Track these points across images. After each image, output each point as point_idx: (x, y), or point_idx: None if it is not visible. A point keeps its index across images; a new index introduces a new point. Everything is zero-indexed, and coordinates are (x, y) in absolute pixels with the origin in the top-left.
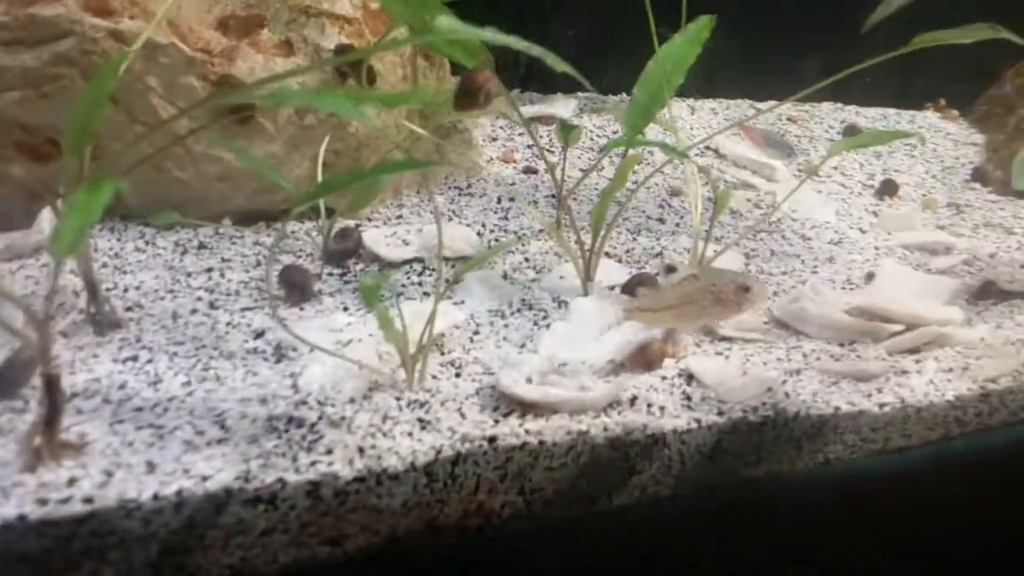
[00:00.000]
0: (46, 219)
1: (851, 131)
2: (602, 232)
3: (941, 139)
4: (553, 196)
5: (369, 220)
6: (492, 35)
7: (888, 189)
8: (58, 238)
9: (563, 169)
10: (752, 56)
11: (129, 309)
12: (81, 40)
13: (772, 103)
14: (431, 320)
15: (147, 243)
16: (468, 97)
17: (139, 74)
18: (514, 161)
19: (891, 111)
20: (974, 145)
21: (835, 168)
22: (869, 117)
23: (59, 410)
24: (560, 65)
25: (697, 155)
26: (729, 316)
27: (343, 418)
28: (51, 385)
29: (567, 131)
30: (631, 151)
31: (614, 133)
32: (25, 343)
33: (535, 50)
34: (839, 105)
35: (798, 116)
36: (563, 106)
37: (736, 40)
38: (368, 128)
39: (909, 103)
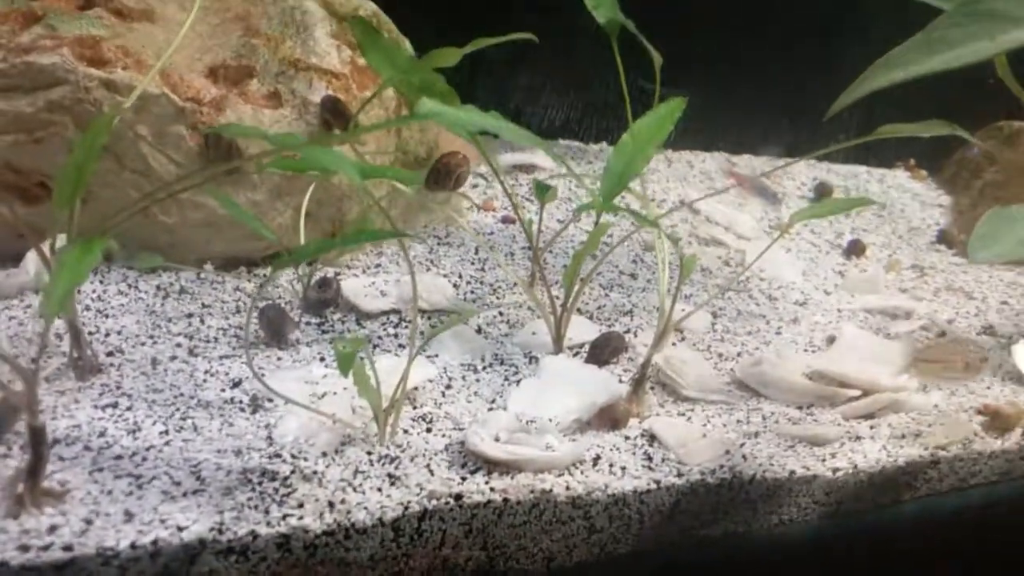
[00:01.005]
0: (31, 261)
1: (822, 189)
2: (574, 291)
3: (909, 199)
4: (528, 247)
5: (348, 268)
6: (470, 117)
7: (855, 249)
8: (48, 298)
9: (539, 225)
10: (729, 110)
11: (110, 354)
12: (75, 88)
13: (747, 156)
14: (404, 377)
15: (130, 286)
16: (440, 178)
17: (130, 123)
18: (493, 209)
19: (862, 169)
20: (940, 207)
21: (805, 225)
22: (841, 174)
23: (43, 460)
24: (527, 140)
25: (675, 212)
26: (969, 381)
27: (315, 472)
28: (36, 436)
29: (543, 190)
30: (604, 217)
31: (592, 184)
32: (9, 392)
33: (510, 132)
34: (812, 162)
35: (773, 173)
36: (544, 155)
37: (713, 94)
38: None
39: (880, 161)
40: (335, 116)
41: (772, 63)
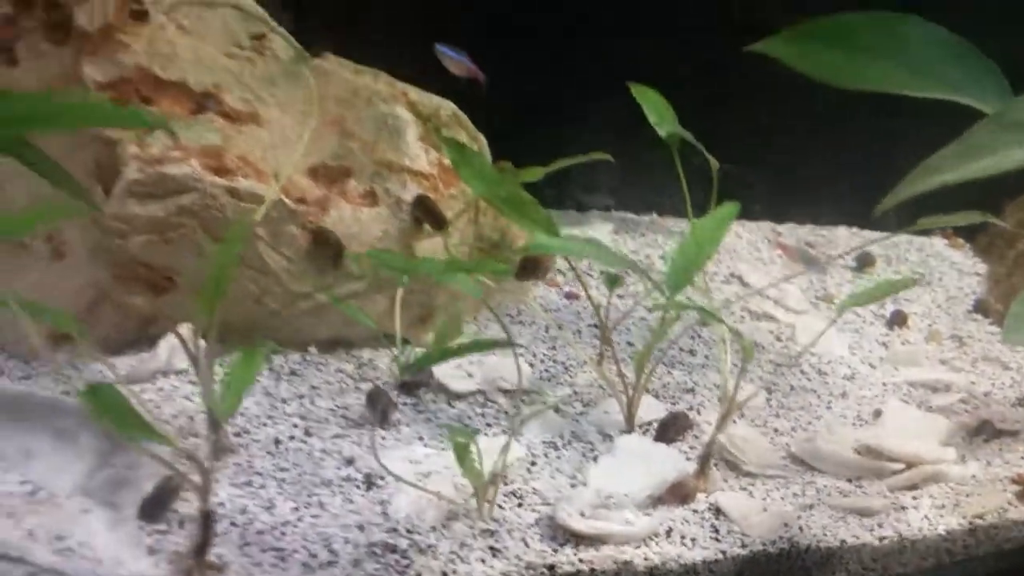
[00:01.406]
0: (163, 347)
1: (864, 259)
2: (644, 375)
3: (947, 267)
4: (595, 326)
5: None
6: (575, 247)
7: (898, 319)
8: (222, 403)
9: (607, 311)
10: (773, 178)
11: (237, 435)
12: (202, 196)
13: (791, 224)
14: (504, 453)
15: None
16: (530, 272)
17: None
18: (558, 285)
19: (903, 238)
20: (977, 275)
21: (849, 294)
22: (882, 244)
23: (210, 540)
24: (622, 264)
25: (723, 283)
26: None
27: (428, 545)
28: (207, 519)
29: (612, 281)
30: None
31: (647, 257)
32: (174, 474)
33: (608, 259)
34: (854, 230)
35: (816, 242)
36: (600, 228)
37: (759, 162)
38: None
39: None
40: (425, 213)
41: (815, 132)
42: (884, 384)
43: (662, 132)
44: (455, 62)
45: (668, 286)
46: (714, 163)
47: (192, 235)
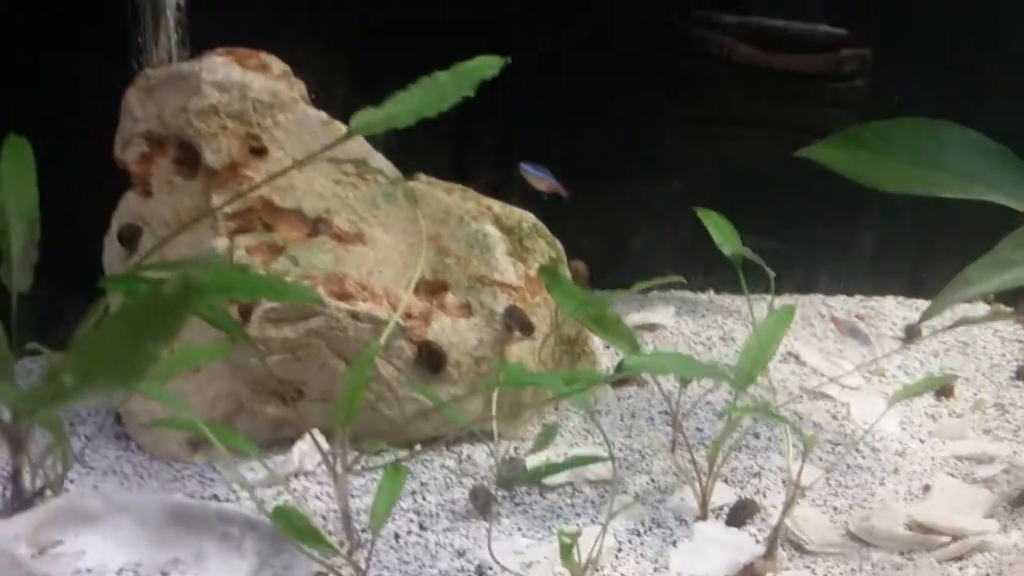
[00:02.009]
0: (297, 451)
1: (911, 331)
2: (716, 465)
3: (990, 335)
4: (666, 412)
5: (523, 440)
6: (665, 363)
7: (945, 391)
8: (373, 516)
9: (678, 400)
10: (822, 253)
11: (363, 531)
12: (328, 319)
13: (841, 296)
14: (598, 542)
15: (364, 468)
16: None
17: (367, 341)
18: None
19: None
20: (1019, 342)
21: (899, 367)
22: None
23: None
24: (705, 374)
25: (781, 362)
26: None
27: None
28: None
29: (685, 380)
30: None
31: (708, 339)
32: (327, 571)
33: (692, 370)
34: (901, 299)
35: (865, 313)
36: (663, 312)
37: (800, 236)
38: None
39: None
40: (515, 320)
41: (859, 202)
42: (932, 458)
43: (726, 252)
44: (538, 179)
45: (735, 386)
46: (770, 273)
47: (319, 353)
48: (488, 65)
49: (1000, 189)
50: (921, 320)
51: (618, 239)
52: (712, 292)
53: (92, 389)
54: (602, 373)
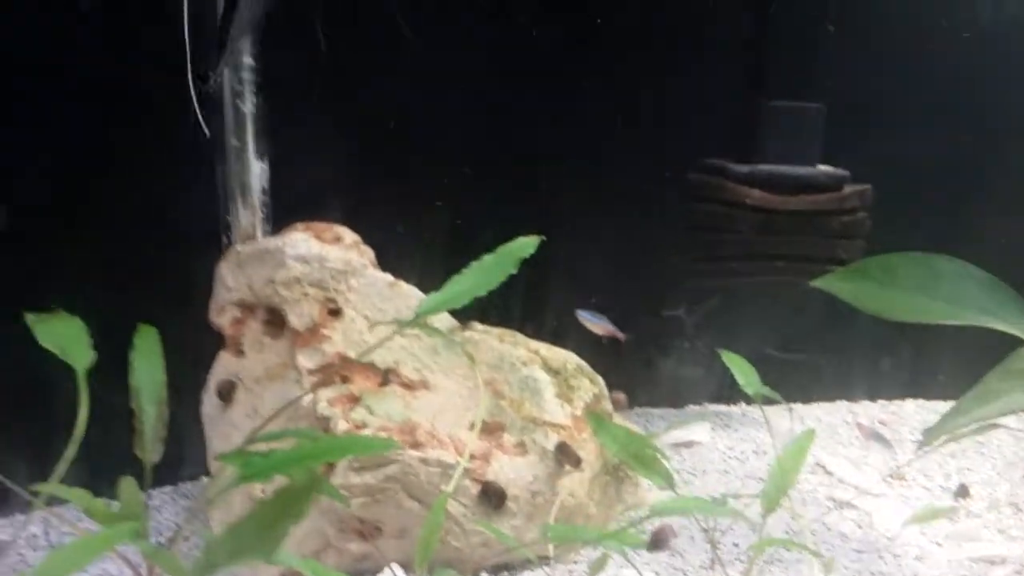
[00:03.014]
0: None
1: (929, 435)
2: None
3: (1003, 434)
4: (705, 530)
5: (575, 563)
6: (696, 504)
7: (962, 492)
8: None
9: (715, 521)
10: (843, 360)
11: None
12: (403, 466)
13: (864, 402)
14: None
15: None
16: (658, 542)
17: (436, 484)
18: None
19: None
20: None
21: (918, 470)
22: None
23: None
24: (738, 515)
25: (809, 473)
26: None
27: None
28: None
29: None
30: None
31: (742, 453)
32: None
33: (724, 511)
34: (920, 402)
35: (887, 419)
36: (699, 428)
37: (829, 349)
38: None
39: None
40: (565, 456)
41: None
42: (949, 561)
43: (749, 391)
44: (596, 324)
45: (762, 508)
46: (791, 408)
47: (395, 495)
48: (527, 245)
49: (991, 314)
50: (924, 444)
51: (653, 358)
52: (743, 404)
53: (242, 561)
54: (642, 509)
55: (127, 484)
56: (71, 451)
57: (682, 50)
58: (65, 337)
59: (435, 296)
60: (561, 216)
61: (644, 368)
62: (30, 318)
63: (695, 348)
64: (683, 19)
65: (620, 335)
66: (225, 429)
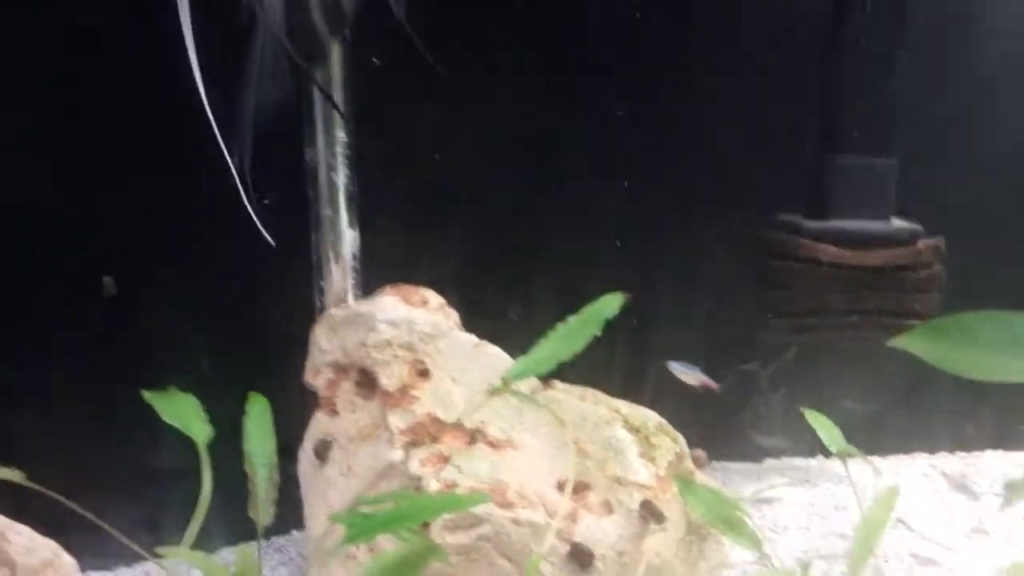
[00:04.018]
0: None
1: (1012, 487)
2: None
3: None
4: None
5: None
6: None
7: None
8: None
9: None
10: (922, 412)
11: None
12: (494, 526)
13: (943, 453)
14: None
15: None
16: None
17: (527, 543)
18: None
19: None
20: None
21: (1002, 524)
22: None
23: None
24: None
25: (891, 528)
26: None
27: None
28: None
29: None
30: None
31: (823, 509)
32: None
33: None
34: (1001, 453)
35: (969, 471)
36: (778, 483)
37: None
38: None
39: None
40: (649, 514)
41: None
42: None
43: (832, 449)
44: (688, 375)
45: (848, 569)
46: (876, 470)
47: (488, 554)
48: (610, 305)
49: None
50: (1005, 503)
51: (730, 412)
52: (820, 455)
53: None
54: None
55: (245, 551)
56: (198, 519)
57: (754, 106)
58: (183, 412)
59: (523, 362)
60: (638, 271)
61: (721, 422)
62: (148, 395)
63: (772, 402)
64: (754, 76)
65: (714, 385)
66: (321, 487)
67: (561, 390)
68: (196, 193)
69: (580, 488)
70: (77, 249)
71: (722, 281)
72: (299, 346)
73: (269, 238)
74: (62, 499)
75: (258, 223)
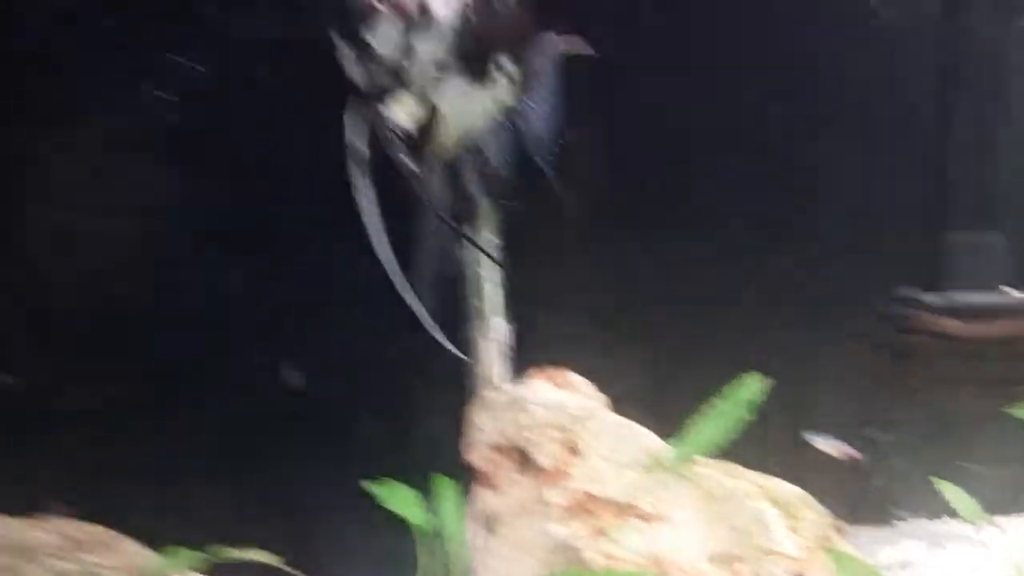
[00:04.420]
0: None
1: None
2: None
3: None
4: None
5: None
6: None
7: None
8: None
9: None
10: None
11: None
12: None
13: None
14: None
15: None
16: None
17: None
18: None
19: None
20: None
21: None
22: None
23: None
24: None
25: None
26: None
27: None
28: None
29: None
30: None
31: (959, 572)
32: None
33: None
34: None
35: None
36: (912, 548)
37: None
38: None
39: None
40: None
41: None
42: None
43: (965, 516)
44: (829, 445)
45: None
46: (997, 524)
47: None
48: (755, 387)
49: None
50: None
51: (861, 477)
52: (948, 519)
53: None
54: None
55: None
56: None
57: (871, 182)
58: (404, 502)
59: (679, 446)
60: (769, 344)
61: (853, 487)
62: (370, 485)
63: (901, 467)
64: (870, 154)
65: (856, 454)
66: (486, 560)
67: (704, 464)
68: (365, 295)
69: (731, 560)
70: (265, 341)
71: (848, 353)
72: (455, 426)
73: (456, 350)
74: None
75: (443, 340)
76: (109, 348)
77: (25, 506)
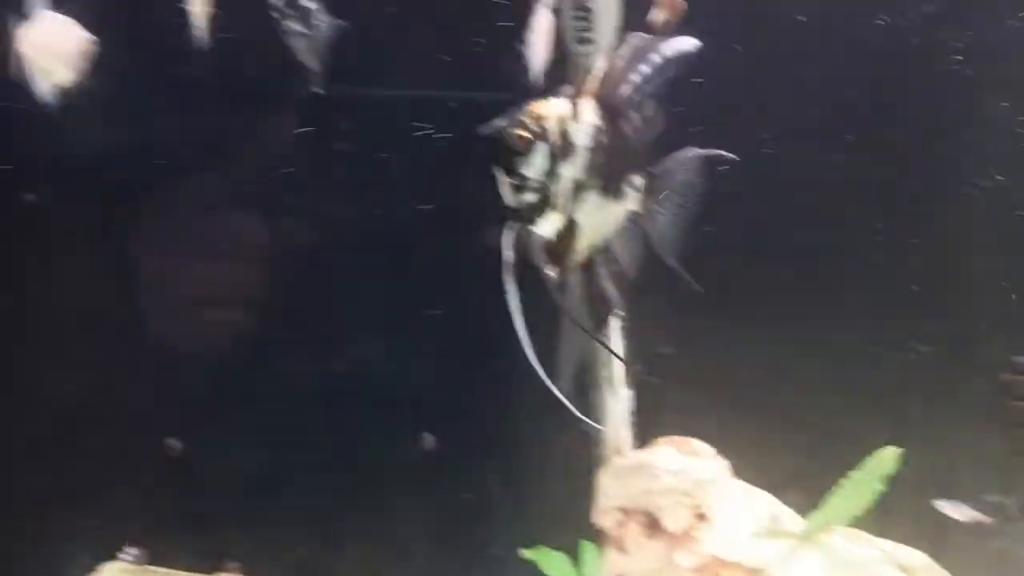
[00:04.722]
0: None
1: None
2: None
3: None
4: None
5: None
6: None
7: None
8: None
9: None
10: None
11: None
12: None
13: None
14: None
15: None
16: None
17: None
18: None
19: None
20: None
21: None
22: None
23: None
24: None
25: None
26: None
27: None
28: None
29: None
30: None
31: None
32: None
33: None
34: None
35: None
36: None
37: None
38: None
39: None
40: None
41: None
42: None
43: None
44: (960, 512)
45: None
46: None
47: None
48: (889, 459)
49: None
50: None
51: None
52: None
53: None
54: None
55: None
56: None
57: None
58: (558, 566)
59: (818, 516)
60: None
61: (977, 552)
62: (529, 554)
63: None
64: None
65: (985, 519)
66: None
67: (831, 531)
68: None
69: None
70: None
71: (966, 420)
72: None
73: (587, 419)
74: None
75: (576, 411)
76: (267, 417)
77: (209, 566)
